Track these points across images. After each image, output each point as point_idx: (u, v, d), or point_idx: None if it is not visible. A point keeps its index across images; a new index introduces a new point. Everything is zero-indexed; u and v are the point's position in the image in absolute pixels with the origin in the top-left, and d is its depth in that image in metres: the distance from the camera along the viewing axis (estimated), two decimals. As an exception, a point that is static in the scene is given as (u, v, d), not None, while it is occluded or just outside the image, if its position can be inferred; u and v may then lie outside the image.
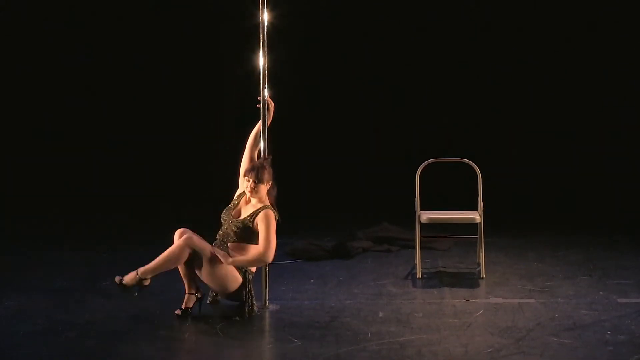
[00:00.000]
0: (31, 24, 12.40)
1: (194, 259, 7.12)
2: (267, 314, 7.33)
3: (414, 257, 8.72)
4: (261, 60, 7.54)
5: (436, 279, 8.51)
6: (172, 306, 7.35)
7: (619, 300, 7.70)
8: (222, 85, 12.35)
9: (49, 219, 11.24)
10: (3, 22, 12.32)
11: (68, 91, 12.50)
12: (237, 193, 7.53)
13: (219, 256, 7.11)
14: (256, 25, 7.51)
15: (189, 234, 7.14)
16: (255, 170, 7.36)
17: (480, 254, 8.54)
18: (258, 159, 7.48)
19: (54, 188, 12.17)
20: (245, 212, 7.39)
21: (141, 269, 6.98)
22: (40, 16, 12.37)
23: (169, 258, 7.04)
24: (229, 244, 7.27)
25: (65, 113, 12.50)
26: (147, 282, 7.01)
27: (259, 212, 7.30)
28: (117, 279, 7.00)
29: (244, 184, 7.42)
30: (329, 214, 11.47)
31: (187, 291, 7.29)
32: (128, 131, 12.50)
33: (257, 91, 7.53)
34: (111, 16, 12.41)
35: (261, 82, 7.53)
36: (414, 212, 8.59)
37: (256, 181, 7.33)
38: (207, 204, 11.70)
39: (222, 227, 7.38)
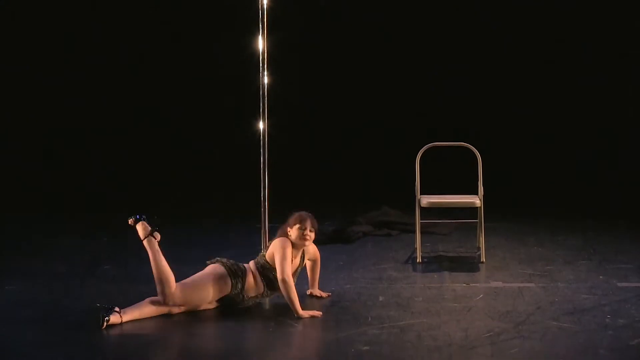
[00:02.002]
0: (31, 23, 12.31)
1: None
2: (267, 299, 7.33)
3: (414, 242, 8.72)
4: (260, 44, 7.53)
5: (436, 263, 8.52)
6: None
7: (619, 284, 7.71)
8: (222, 79, 12.29)
9: (49, 204, 11.24)
10: (3, 22, 12.24)
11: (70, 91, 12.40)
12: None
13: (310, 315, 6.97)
14: (256, 10, 7.52)
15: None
16: (311, 219, 7.14)
17: (481, 238, 8.54)
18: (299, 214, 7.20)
19: (54, 176, 12.14)
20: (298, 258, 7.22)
21: (125, 317, 6.77)
22: (41, 16, 12.28)
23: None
24: None
25: (66, 111, 12.40)
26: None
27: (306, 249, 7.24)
28: (110, 315, 6.68)
29: (294, 234, 7.10)
30: (329, 198, 11.45)
31: None
32: (128, 124, 12.43)
33: (257, 78, 7.54)
34: (109, 9, 12.33)
35: (261, 66, 7.53)
36: (414, 196, 8.60)
37: (312, 229, 7.11)
38: (208, 192, 11.78)
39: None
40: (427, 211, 8.66)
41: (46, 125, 12.30)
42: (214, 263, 7.11)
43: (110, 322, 6.64)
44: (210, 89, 12.32)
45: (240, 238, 9.31)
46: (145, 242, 6.98)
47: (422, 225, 8.63)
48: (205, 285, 6.99)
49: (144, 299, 6.92)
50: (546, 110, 12.27)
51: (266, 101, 7.57)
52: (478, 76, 12.28)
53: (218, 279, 7.00)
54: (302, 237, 7.08)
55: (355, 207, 10.43)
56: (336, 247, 9.12)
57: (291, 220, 7.14)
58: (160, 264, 6.90)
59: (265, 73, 7.55)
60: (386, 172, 11.74)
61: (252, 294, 7.11)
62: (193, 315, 6.94)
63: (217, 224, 10.20)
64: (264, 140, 7.58)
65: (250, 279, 7.08)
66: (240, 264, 7.14)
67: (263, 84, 7.54)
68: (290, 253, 7.03)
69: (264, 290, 7.13)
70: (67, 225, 10.23)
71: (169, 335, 6.60)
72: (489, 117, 12.20)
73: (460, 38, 12.27)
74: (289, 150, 11.24)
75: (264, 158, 7.60)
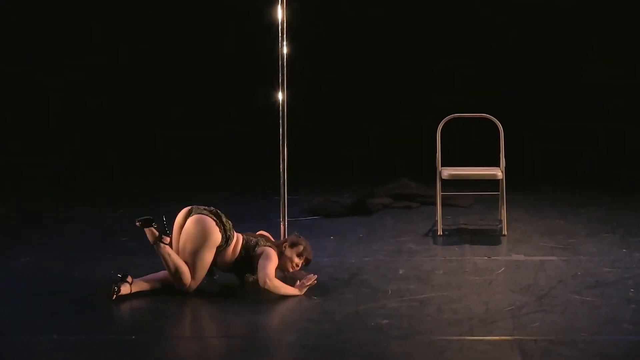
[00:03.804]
0: (31, 23, 12.24)
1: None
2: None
3: (434, 214, 8.67)
4: (280, 14, 7.47)
5: (457, 236, 8.46)
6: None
7: (643, 257, 7.66)
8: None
9: (65, 176, 11.23)
10: (3, 22, 12.18)
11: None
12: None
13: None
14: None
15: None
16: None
17: (502, 210, 8.48)
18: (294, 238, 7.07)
19: (70, 149, 12.12)
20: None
21: (135, 287, 6.73)
22: (41, 16, 12.21)
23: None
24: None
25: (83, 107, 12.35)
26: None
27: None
28: (122, 286, 6.68)
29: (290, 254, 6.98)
30: (348, 170, 11.42)
31: None
32: (128, 123, 12.37)
33: (276, 48, 7.46)
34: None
35: (280, 37, 7.47)
36: (435, 168, 8.53)
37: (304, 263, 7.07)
38: (225, 164, 11.76)
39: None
40: (448, 183, 8.60)
41: (46, 125, 12.25)
42: (199, 214, 6.81)
43: (120, 292, 6.61)
44: (227, 61, 12.26)
45: (258, 210, 9.27)
46: (155, 247, 6.79)
47: (443, 198, 8.57)
48: (207, 258, 6.78)
49: (158, 271, 6.90)
50: (568, 81, 12.15)
51: (285, 71, 7.51)
52: (483, 70, 12.17)
53: (212, 239, 6.76)
54: (296, 264, 6.98)
55: (375, 179, 10.37)
56: (355, 220, 9.08)
57: (294, 241, 7.01)
58: (172, 264, 6.73)
59: (285, 43, 7.49)
60: (406, 144, 11.67)
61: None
62: (208, 283, 6.91)
63: (235, 196, 10.16)
64: (283, 111, 7.52)
65: (230, 248, 6.89)
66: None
67: (282, 54, 7.47)
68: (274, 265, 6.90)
69: (232, 265, 6.96)
70: (83, 196, 10.23)
71: (184, 306, 6.57)
72: (510, 88, 12.11)
73: (466, 32, 12.16)
74: (308, 122, 11.18)
75: (282, 129, 7.54)
